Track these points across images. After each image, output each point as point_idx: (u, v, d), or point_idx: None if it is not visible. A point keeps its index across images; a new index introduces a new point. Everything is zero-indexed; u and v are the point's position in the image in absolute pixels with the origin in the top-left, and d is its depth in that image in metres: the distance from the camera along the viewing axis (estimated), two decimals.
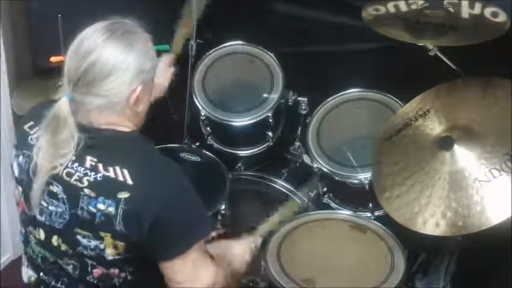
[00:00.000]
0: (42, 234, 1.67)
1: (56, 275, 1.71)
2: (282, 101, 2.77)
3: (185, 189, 1.62)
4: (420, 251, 2.55)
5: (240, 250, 1.95)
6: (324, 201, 2.64)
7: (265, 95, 2.77)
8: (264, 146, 2.82)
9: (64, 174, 1.59)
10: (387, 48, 2.69)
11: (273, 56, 2.86)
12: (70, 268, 1.66)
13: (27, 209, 1.68)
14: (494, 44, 2.17)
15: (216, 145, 2.84)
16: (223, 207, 2.50)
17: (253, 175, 2.80)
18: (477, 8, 2.35)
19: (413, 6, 2.45)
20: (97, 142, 1.60)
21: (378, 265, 2.20)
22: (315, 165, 2.60)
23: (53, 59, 2.80)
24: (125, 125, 1.65)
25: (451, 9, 2.38)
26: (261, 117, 2.71)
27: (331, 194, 2.63)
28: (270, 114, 2.71)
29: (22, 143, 1.68)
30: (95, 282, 1.65)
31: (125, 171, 1.55)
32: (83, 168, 1.58)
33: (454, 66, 2.27)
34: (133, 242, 1.57)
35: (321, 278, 2.15)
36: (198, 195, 1.64)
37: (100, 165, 1.57)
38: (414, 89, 2.35)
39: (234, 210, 2.57)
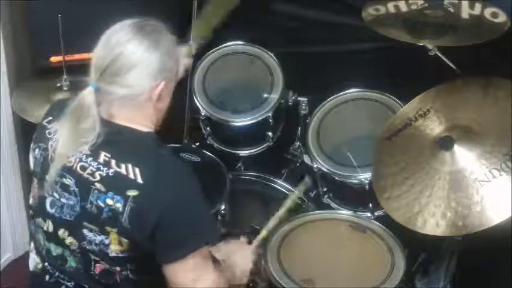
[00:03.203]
0: (50, 226, 1.69)
1: (59, 268, 1.73)
2: (282, 101, 2.77)
3: (192, 194, 1.65)
4: (420, 251, 2.55)
5: (243, 259, 1.97)
6: (324, 201, 2.63)
7: (265, 95, 2.77)
8: (264, 146, 2.82)
9: (77, 167, 1.63)
10: (387, 48, 2.69)
11: (273, 56, 2.86)
12: (74, 261, 1.69)
13: (39, 199, 1.71)
14: (494, 44, 2.17)
15: (216, 145, 2.84)
16: (223, 207, 2.50)
17: (253, 175, 2.80)
18: (477, 8, 2.35)
19: (413, 6, 2.45)
20: (114, 138, 1.63)
21: (378, 265, 2.20)
22: (315, 165, 2.60)
23: (53, 59, 2.81)
24: (144, 123, 1.69)
25: (451, 9, 2.38)
26: (261, 117, 2.71)
27: (331, 194, 2.63)
28: (270, 114, 2.71)
29: (40, 137, 1.74)
30: (97, 277, 1.68)
31: (137, 170, 1.58)
32: (97, 163, 1.61)
33: (454, 66, 2.27)
34: (137, 240, 1.60)
35: (321, 278, 2.15)
36: (205, 202, 1.67)
37: (113, 161, 1.60)
38: (414, 89, 2.35)
39: (234, 210, 2.57)
